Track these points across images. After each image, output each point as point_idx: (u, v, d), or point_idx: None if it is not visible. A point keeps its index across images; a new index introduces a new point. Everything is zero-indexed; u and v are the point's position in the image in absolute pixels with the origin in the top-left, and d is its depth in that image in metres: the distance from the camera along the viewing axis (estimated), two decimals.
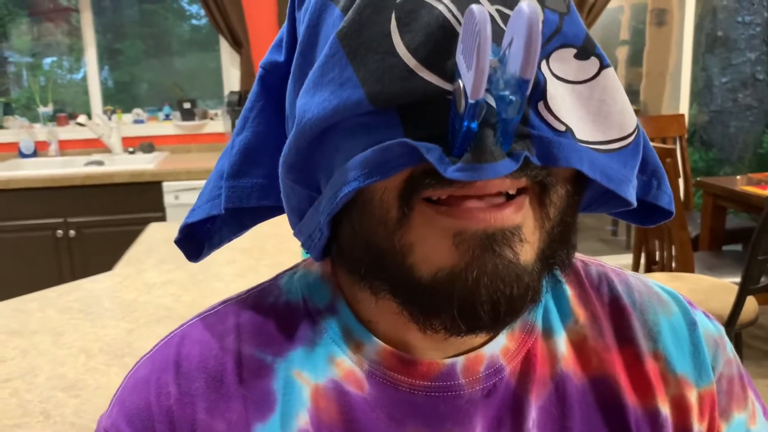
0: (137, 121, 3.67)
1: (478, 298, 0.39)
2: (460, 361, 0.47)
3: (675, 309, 0.53)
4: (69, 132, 3.58)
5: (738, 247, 3.25)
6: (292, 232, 0.49)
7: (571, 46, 0.41)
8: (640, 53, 4.69)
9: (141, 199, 3.08)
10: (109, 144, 3.50)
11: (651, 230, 2.64)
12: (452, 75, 0.37)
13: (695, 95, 4.74)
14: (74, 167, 3.24)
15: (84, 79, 3.72)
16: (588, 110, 0.41)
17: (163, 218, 3.07)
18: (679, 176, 2.94)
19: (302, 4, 0.46)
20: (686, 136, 3.64)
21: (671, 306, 0.53)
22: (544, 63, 0.40)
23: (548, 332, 0.50)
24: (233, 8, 3.36)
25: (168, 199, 3.08)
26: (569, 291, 0.52)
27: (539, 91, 0.39)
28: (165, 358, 0.49)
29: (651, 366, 0.50)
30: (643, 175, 0.47)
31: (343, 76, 0.39)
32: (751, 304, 2.24)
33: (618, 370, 0.49)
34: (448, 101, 0.37)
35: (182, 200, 3.06)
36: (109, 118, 3.61)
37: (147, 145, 3.56)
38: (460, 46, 0.35)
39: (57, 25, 3.85)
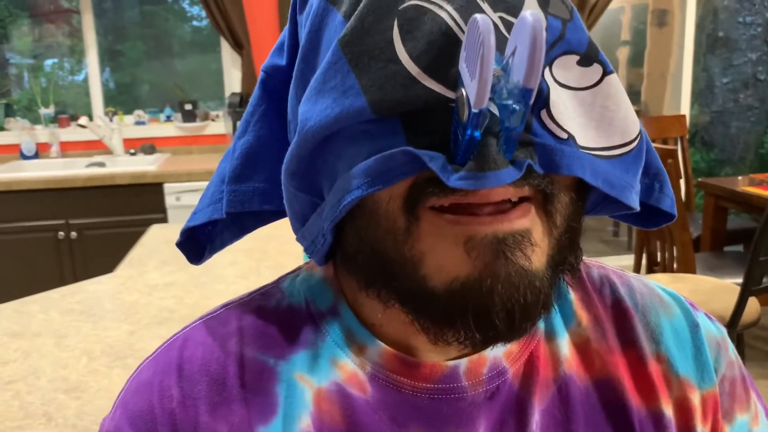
0: (138, 123, 3.67)
1: (493, 308, 0.39)
2: (463, 363, 0.47)
3: (677, 311, 0.53)
4: (70, 133, 3.59)
5: (739, 248, 3.25)
6: (294, 234, 0.49)
7: (574, 53, 0.41)
8: (641, 54, 4.69)
9: (142, 201, 3.08)
10: (110, 145, 3.51)
11: (652, 231, 2.64)
12: (455, 83, 0.37)
13: (696, 96, 4.74)
14: (76, 169, 3.25)
15: (85, 80, 3.72)
16: (591, 116, 0.41)
17: (164, 220, 3.07)
18: (681, 177, 2.94)
19: (304, 8, 0.46)
20: (687, 136, 3.64)
21: (673, 308, 0.53)
22: (547, 70, 0.40)
23: (551, 335, 0.50)
24: (234, 9, 3.37)
25: (169, 200, 3.08)
26: (572, 294, 0.52)
27: (542, 99, 0.39)
28: (168, 361, 0.49)
29: (654, 368, 0.50)
30: (645, 179, 0.47)
31: (345, 84, 0.39)
32: (753, 305, 2.24)
33: (621, 372, 0.49)
34: (451, 109, 0.37)
35: (184, 201, 3.06)
36: (111, 120, 3.61)
37: (148, 147, 3.56)
38: (463, 54, 0.35)
39: (58, 26, 3.85)
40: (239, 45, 3.46)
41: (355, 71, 0.39)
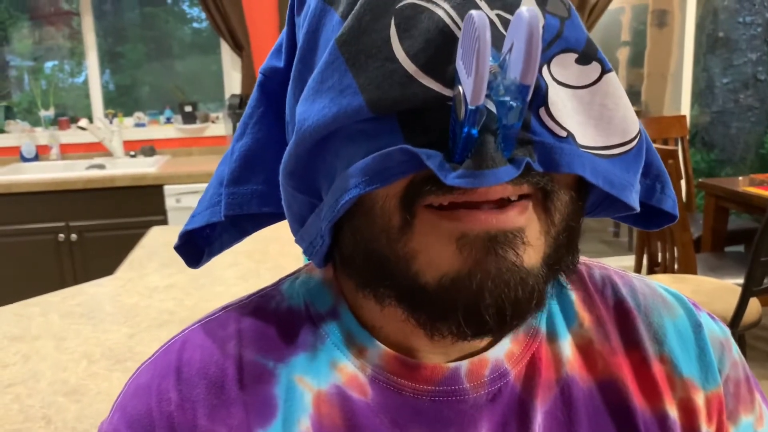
0: (138, 125, 3.67)
1: (482, 302, 0.39)
2: (465, 365, 0.47)
3: (680, 311, 0.53)
4: (70, 136, 3.59)
5: (740, 248, 3.25)
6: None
7: (573, 51, 0.41)
8: (641, 54, 4.69)
9: (142, 203, 3.08)
10: (110, 147, 3.51)
11: (653, 232, 2.64)
12: (452, 81, 0.37)
13: (696, 96, 4.74)
14: (76, 171, 3.25)
15: (85, 82, 3.72)
16: (590, 115, 0.41)
17: (164, 222, 3.07)
18: (681, 177, 2.94)
19: (302, 9, 0.45)
20: (688, 137, 3.64)
21: (676, 308, 0.53)
22: (545, 68, 0.39)
23: (553, 336, 0.50)
24: (234, 11, 3.37)
25: (169, 202, 3.08)
26: (573, 295, 0.52)
27: (541, 97, 0.38)
28: (166, 364, 0.49)
29: (657, 369, 0.50)
30: (646, 179, 0.46)
31: (342, 83, 0.39)
32: (754, 305, 2.24)
33: (625, 373, 0.49)
34: (449, 107, 0.36)
35: (184, 203, 3.06)
36: (111, 122, 3.61)
37: (148, 149, 3.56)
38: (459, 52, 0.35)
39: (58, 28, 3.85)
40: (239, 47, 3.46)
41: (352, 70, 0.38)
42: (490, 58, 0.33)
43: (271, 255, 1.83)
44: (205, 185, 2.48)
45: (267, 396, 0.47)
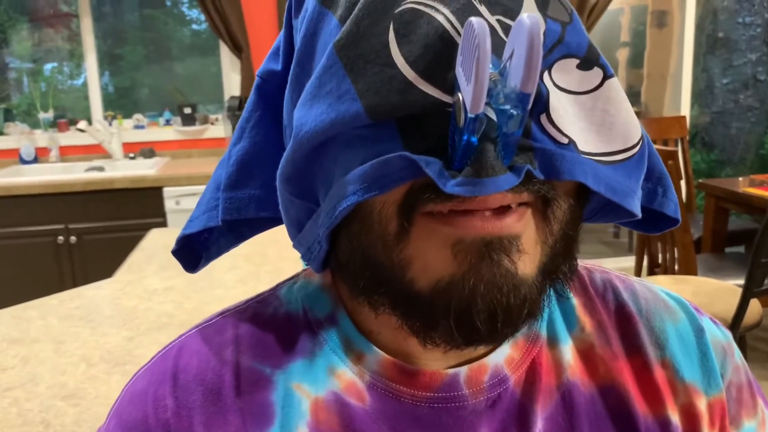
0: (138, 127, 3.67)
1: (474, 308, 0.38)
2: (464, 371, 0.46)
3: (682, 315, 0.52)
4: (70, 138, 3.58)
5: (741, 249, 3.24)
6: None
7: (574, 57, 0.40)
8: (640, 55, 4.69)
9: (142, 205, 3.07)
10: (109, 150, 3.50)
11: None
12: (452, 87, 0.36)
13: (696, 96, 4.74)
14: (75, 173, 3.25)
15: (84, 84, 3.72)
16: (591, 121, 0.40)
17: (164, 224, 3.06)
18: (681, 178, 2.93)
19: (299, 12, 0.45)
20: (688, 137, 3.63)
21: (678, 313, 0.52)
22: (546, 74, 0.39)
23: (553, 341, 0.49)
24: (233, 13, 3.37)
25: (169, 204, 3.08)
26: (574, 299, 0.51)
27: (542, 103, 0.38)
28: (162, 371, 0.48)
29: (659, 374, 0.49)
30: (648, 183, 0.46)
31: (341, 89, 0.38)
32: (754, 306, 2.23)
33: (627, 378, 0.49)
34: (448, 114, 0.36)
35: (183, 206, 3.06)
36: (110, 124, 3.61)
37: (148, 151, 3.56)
38: (459, 58, 0.35)
39: (57, 30, 3.85)
40: (238, 48, 3.45)
41: (350, 76, 0.38)
42: (491, 66, 0.32)
43: (270, 258, 1.83)
44: (204, 187, 2.46)
45: (264, 403, 0.46)
